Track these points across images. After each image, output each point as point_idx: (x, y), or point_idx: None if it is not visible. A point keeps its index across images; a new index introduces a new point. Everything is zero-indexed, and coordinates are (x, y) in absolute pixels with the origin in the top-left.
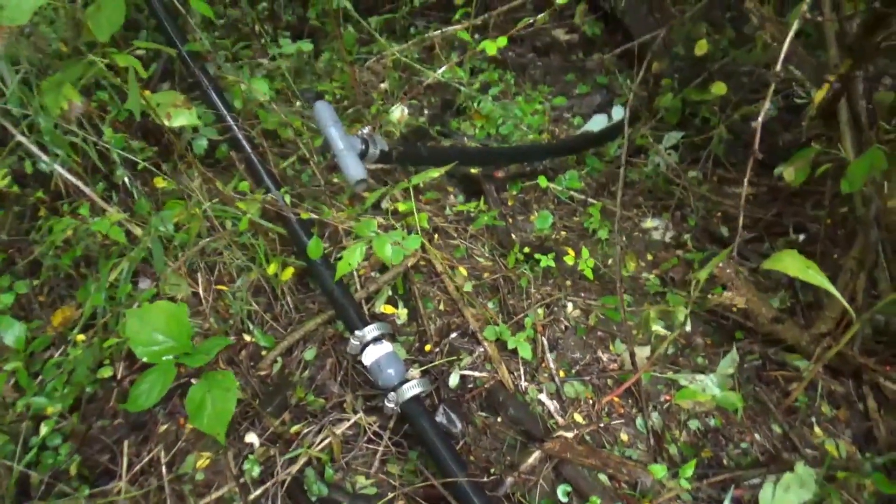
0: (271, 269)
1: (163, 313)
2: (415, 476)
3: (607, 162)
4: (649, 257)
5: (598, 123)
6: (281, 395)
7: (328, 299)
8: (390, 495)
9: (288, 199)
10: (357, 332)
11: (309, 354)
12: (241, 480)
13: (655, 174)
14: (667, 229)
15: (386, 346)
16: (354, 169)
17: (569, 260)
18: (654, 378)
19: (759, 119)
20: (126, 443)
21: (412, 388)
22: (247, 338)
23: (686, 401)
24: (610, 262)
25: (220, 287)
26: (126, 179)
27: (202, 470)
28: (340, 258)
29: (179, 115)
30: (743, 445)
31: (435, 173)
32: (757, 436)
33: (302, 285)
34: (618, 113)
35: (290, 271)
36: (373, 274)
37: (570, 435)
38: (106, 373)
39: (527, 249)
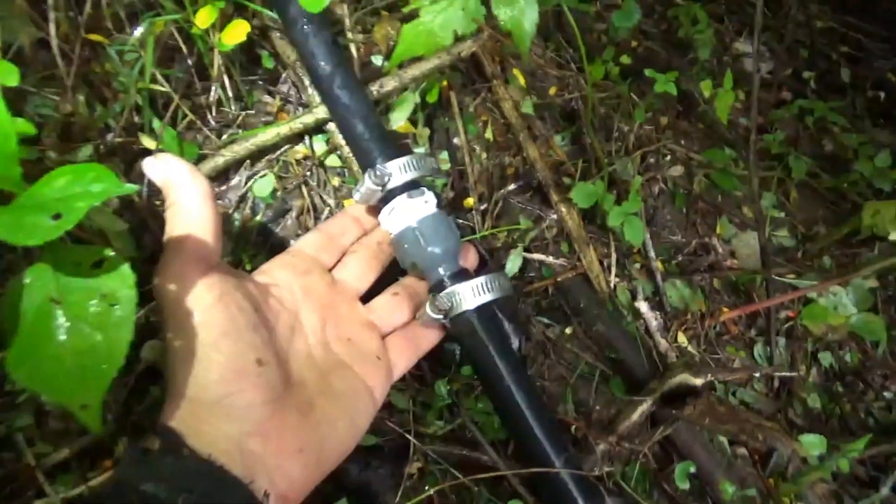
0: (200, 18)
1: None
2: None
3: None
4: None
5: None
6: None
7: (311, 81)
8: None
9: None
10: (378, 166)
11: (262, 189)
12: None
13: None
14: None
15: (429, 203)
16: None
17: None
18: (771, 281)
19: None
20: None
21: (479, 292)
22: (145, 142)
23: (816, 323)
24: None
25: (94, 36)
26: None
27: None
28: None
29: None
30: (887, 395)
31: None
32: None
33: (253, 59)
34: None
35: (243, 28)
36: (382, 62)
37: (699, 382)
38: None
39: (626, 58)
